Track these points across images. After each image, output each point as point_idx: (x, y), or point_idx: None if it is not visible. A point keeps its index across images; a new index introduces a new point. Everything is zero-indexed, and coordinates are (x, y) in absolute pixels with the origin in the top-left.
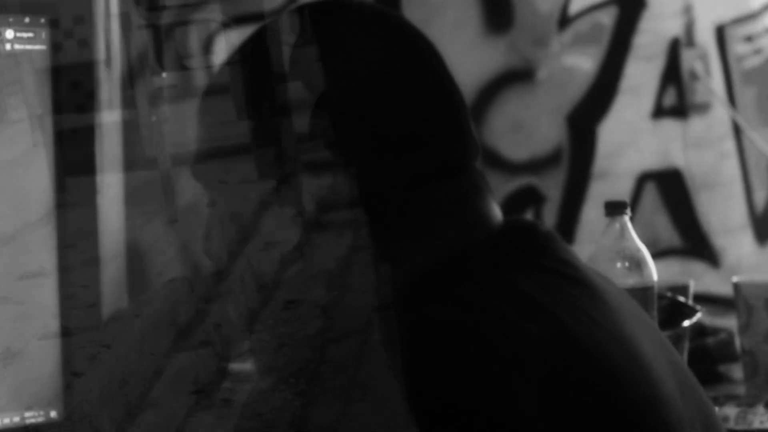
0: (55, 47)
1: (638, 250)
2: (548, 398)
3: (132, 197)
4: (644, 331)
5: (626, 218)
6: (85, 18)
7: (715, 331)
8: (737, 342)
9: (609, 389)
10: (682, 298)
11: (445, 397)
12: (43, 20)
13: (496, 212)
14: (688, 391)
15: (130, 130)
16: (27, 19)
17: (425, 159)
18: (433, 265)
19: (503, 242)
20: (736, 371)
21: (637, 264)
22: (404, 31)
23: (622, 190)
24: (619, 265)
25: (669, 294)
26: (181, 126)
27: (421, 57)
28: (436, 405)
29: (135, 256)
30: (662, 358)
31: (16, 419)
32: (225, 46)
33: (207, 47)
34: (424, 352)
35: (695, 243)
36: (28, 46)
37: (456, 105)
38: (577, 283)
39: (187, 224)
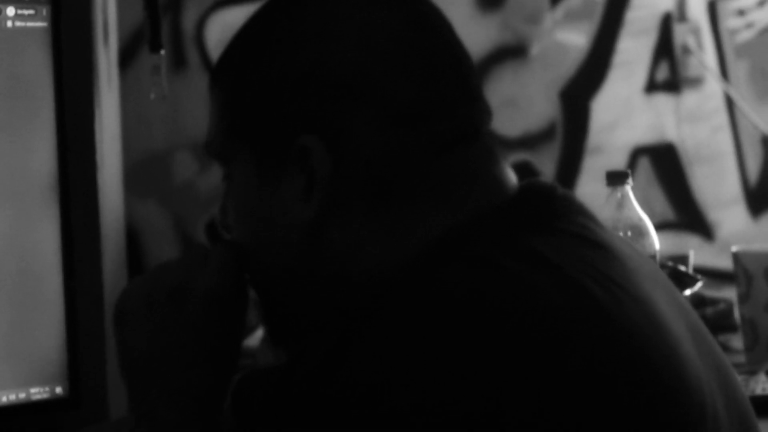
0: (55, 24)
1: (640, 219)
2: (566, 357)
3: (130, 174)
4: (662, 293)
5: (628, 188)
6: None
7: (713, 301)
8: (736, 312)
9: (627, 349)
10: (683, 268)
11: (461, 357)
12: None
13: (511, 176)
14: (705, 352)
15: (129, 107)
16: None
17: (438, 127)
18: (448, 229)
19: (519, 205)
20: (735, 341)
21: (639, 233)
22: None
23: (616, 165)
24: (620, 234)
25: (670, 263)
26: (177, 103)
27: (428, 23)
28: (449, 366)
29: (132, 232)
30: (680, 319)
31: (22, 395)
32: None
33: (200, 25)
34: (438, 314)
35: (689, 216)
36: (29, 23)
37: (466, 70)
38: (595, 245)
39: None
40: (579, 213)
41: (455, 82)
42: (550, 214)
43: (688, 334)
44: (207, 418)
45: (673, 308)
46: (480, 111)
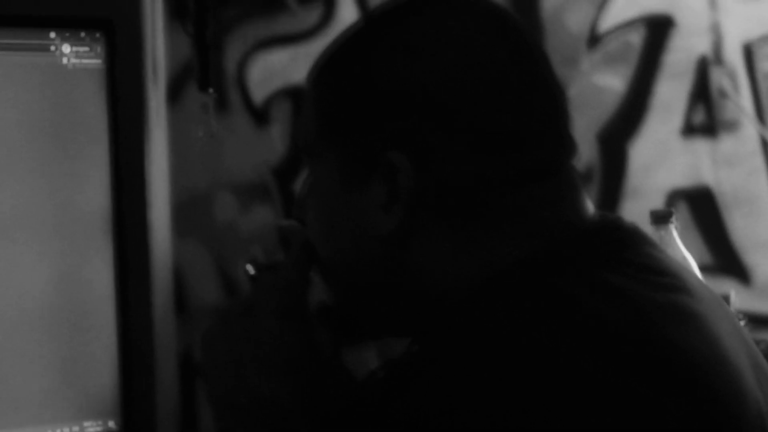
0: (110, 62)
1: (684, 258)
2: (634, 388)
3: (172, 213)
4: (727, 324)
5: (672, 227)
6: (134, 32)
7: (756, 342)
8: None
9: (693, 380)
10: None
11: (530, 384)
12: (98, 35)
13: (590, 208)
14: (765, 384)
15: (178, 144)
16: (83, 34)
17: (523, 159)
18: (523, 256)
19: (590, 237)
20: None
21: None
22: (512, 26)
23: (653, 208)
24: None
25: None
26: (219, 144)
27: (529, 57)
28: (517, 390)
29: (177, 272)
30: (742, 350)
31: (76, 429)
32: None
33: (242, 67)
34: (510, 344)
35: (726, 260)
36: (85, 61)
37: (558, 107)
38: (662, 274)
39: (224, 243)
40: (646, 243)
41: (546, 118)
42: (620, 245)
43: (749, 364)
44: None
45: (736, 340)
46: (566, 147)
